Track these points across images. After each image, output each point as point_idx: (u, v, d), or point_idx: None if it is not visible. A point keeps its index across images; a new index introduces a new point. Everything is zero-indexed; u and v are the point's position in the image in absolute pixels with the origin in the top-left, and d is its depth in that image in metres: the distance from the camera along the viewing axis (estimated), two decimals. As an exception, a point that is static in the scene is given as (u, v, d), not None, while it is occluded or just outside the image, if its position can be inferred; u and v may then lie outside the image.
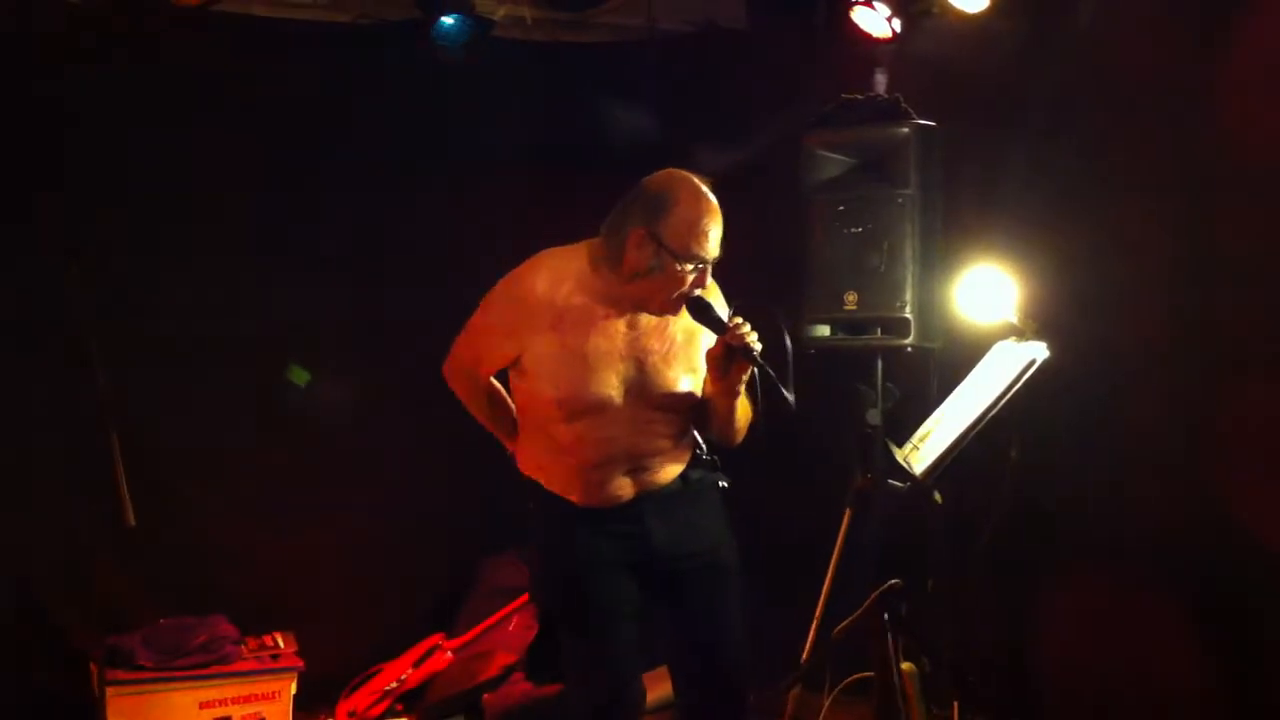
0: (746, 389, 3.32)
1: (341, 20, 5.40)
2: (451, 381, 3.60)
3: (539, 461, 3.49)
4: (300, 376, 5.33)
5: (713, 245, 3.28)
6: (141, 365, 4.75)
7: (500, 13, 5.47)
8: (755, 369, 3.23)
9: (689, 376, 3.41)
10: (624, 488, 3.42)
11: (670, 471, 3.47)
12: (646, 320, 3.37)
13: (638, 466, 3.41)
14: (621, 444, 3.37)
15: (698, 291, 3.30)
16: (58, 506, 4.76)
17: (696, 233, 3.24)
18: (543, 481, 3.49)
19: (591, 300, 3.33)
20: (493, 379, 3.57)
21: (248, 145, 5.19)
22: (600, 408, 3.33)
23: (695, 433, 3.55)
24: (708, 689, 3.50)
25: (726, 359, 3.26)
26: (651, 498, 3.44)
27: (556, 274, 3.36)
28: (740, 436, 3.47)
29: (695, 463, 3.53)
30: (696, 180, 3.31)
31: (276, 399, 5.30)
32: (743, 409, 3.40)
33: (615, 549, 3.43)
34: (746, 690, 3.54)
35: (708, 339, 3.37)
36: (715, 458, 3.55)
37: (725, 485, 3.58)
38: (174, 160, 5.06)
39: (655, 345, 3.38)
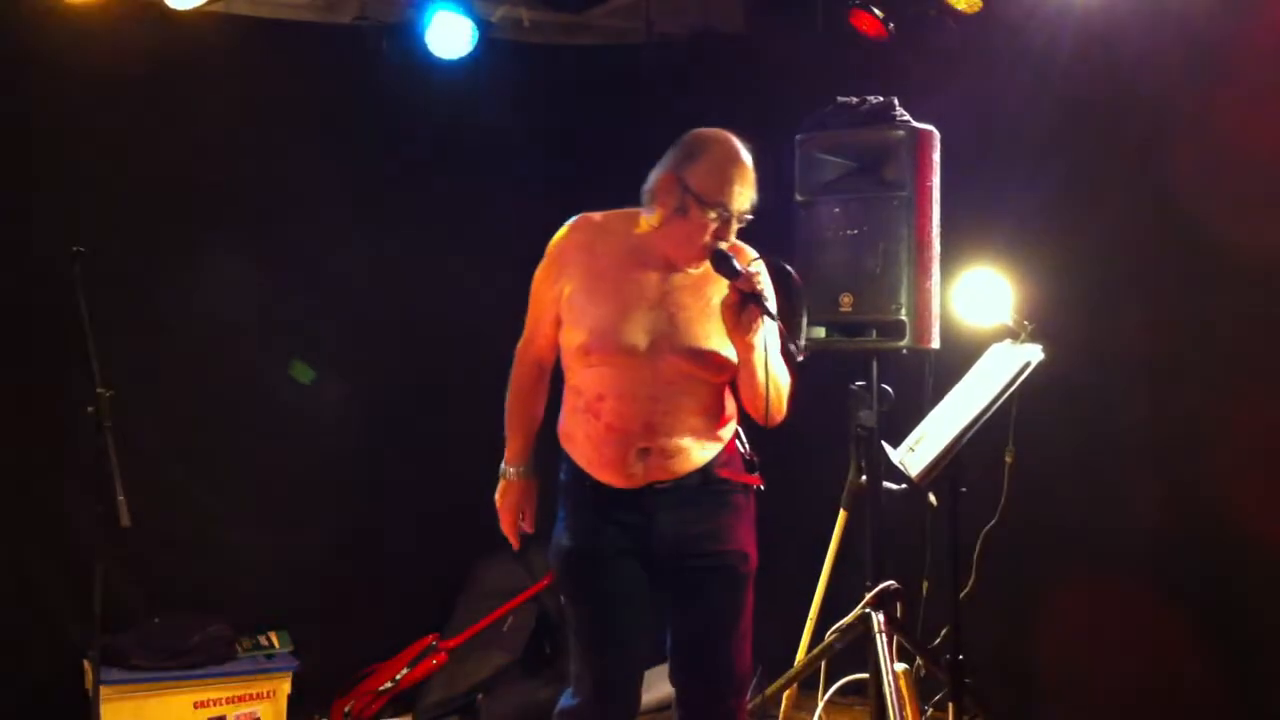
0: (781, 355, 3.36)
1: (340, 21, 5.41)
2: (515, 364, 3.61)
3: (568, 428, 3.50)
4: (304, 374, 5.34)
5: (737, 197, 3.34)
6: (138, 364, 4.75)
7: (497, 14, 5.48)
8: (763, 314, 3.25)
9: (720, 339, 3.39)
10: (636, 469, 3.39)
11: (692, 459, 3.42)
12: (682, 277, 3.42)
13: (655, 447, 3.38)
14: (639, 410, 3.36)
15: (721, 245, 3.33)
16: (53, 505, 4.76)
17: (721, 180, 3.32)
18: (570, 452, 3.50)
19: (627, 248, 3.43)
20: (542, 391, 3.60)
21: (246, 145, 5.21)
22: (625, 352, 3.35)
23: (740, 433, 3.54)
24: (704, 693, 3.49)
25: (739, 306, 3.27)
26: (666, 492, 3.41)
27: (593, 224, 3.48)
28: (779, 410, 3.45)
29: (728, 459, 3.50)
30: (733, 137, 3.39)
31: (272, 398, 5.30)
32: (773, 381, 3.38)
33: (622, 536, 3.42)
34: (743, 698, 3.53)
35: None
36: (755, 458, 3.54)
37: (760, 489, 3.56)
38: (173, 159, 5.07)
39: (689, 300, 3.41)
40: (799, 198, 4.38)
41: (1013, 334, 3.94)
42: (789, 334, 3.33)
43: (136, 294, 4.99)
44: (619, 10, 5.80)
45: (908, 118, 4.23)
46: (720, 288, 3.36)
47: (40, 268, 4.54)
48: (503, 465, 3.63)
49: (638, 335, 3.36)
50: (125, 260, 4.89)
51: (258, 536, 5.19)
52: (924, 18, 4.75)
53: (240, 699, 4.87)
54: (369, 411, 5.49)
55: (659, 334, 3.37)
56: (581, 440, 3.45)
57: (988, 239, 4.40)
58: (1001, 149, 4.64)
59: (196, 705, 4.82)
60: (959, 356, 4.10)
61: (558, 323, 3.48)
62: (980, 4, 4.49)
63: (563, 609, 3.62)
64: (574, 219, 3.50)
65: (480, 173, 5.53)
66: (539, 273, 3.52)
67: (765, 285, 3.33)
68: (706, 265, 3.36)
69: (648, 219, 3.42)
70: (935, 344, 4.21)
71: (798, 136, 4.41)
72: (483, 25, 5.23)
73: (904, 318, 4.15)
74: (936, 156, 4.23)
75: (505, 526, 3.65)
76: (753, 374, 3.35)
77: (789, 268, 3.44)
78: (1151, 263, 4.40)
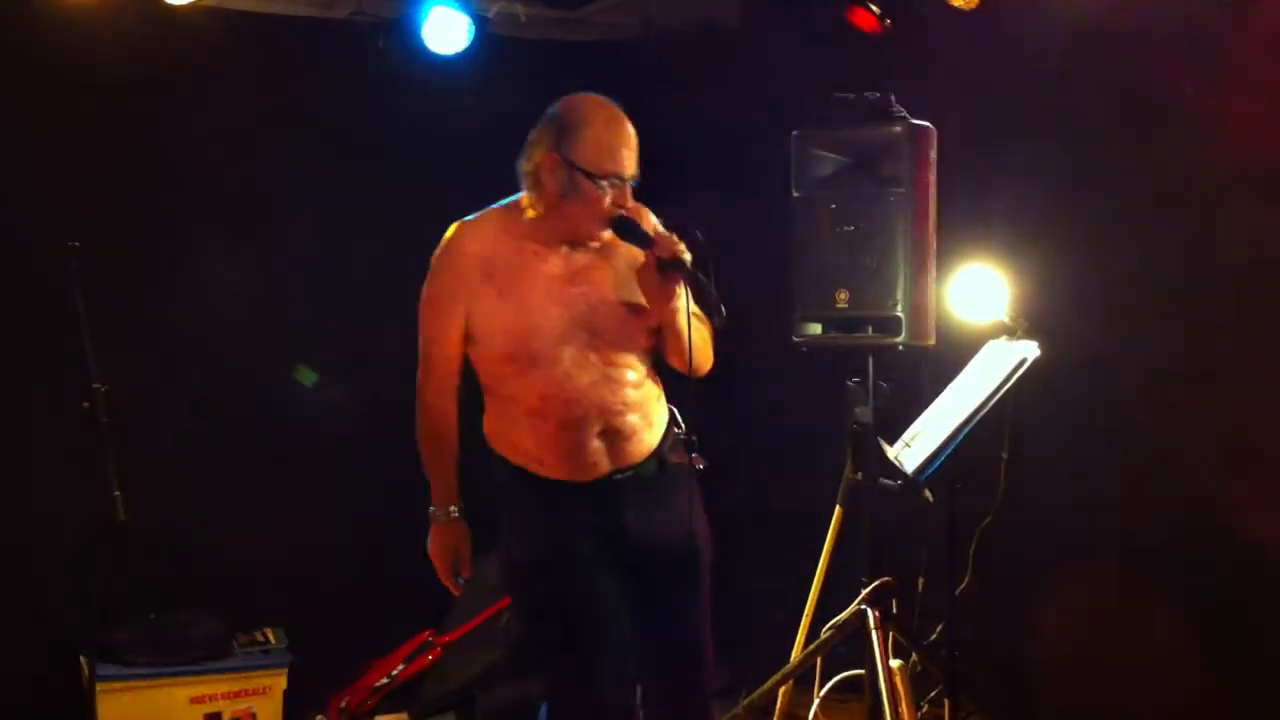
0: (697, 304, 3.24)
1: (336, 16, 5.40)
2: (420, 405, 3.49)
3: (508, 434, 3.35)
4: (307, 377, 5.34)
5: (627, 162, 3.21)
6: (134, 361, 4.75)
7: (494, 10, 5.48)
8: (685, 279, 3.15)
9: (639, 304, 3.28)
10: (599, 455, 3.28)
11: (645, 440, 3.33)
12: (584, 254, 3.29)
13: (610, 427, 3.27)
14: (589, 395, 3.24)
15: (621, 211, 3.22)
16: (50, 502, 4.77)
17: (606, 149, 3.19)
18: (512, 456, 3.35)
19: (520, 243, 3.28)
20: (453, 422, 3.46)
21: (242, 140, 5.20)
22: (553, 352, 3.22)
23: (672, 408, 3.45)
24: (671, 688, 3.41)
25: (659, 272, 3.17)
26: (628, 483, 3.30)
27: (477, 230, 3.33)
28: (706, 360, 3.37)
29: (672, 442, 3.40)
30: (601, 98, 3.28)
31: (269, 394, 5.31)
32: (698, 332, 3.29)
33: (588, 534, 3.28)
34: (709, 690, 3.47)
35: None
36: (693, 437, 3.43)
37: (702, 467, 3.43)
38: (170, 154, 5.07)
39: (599, 277, 3.29)
40: (795, 194, 4.38)
41: (1009, 330, 3.94)
42: (705, 294, 3.18)
43: (134, 290, 5.00)
44: (616, 6, 5.80)
45: (905, 114, 4.23)
46: (625, 250, 3.27)
47: (37, 264, 4.54)
48: (431, 509, 3.48)
49: (559, 329, 3.24)
50: (122, 256, 4.89)
51: (254, 532, 5.19)
52: (921, 14, 4.75)
53: (237, 695, 4.87)
54: (366, 408, 5.49)
55: (581, 320, 3.25)
56: (529, 443, 3.30)
57: (984, 235, 4.40)
58: (998, 145, 4.63)
59: (193, 701, 4.82)
60: (955, 353, 4.11)
61: (462, 342, 3.33)
62: (977, 0, 4.49)
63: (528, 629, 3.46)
64: (452, 229, 3.36)
65: (477, 168, 5.52)
66: (430, 295, 3.36)
67: (678, 243, 3.20)
68: (605, 233, 3.25)
69: (533, 205, 3.26)
70: (932, 340, 4.21)
71: (794, 132, 4.41)
72: (479, 21, 5.22)
73: (900, 314, 4.15)
74: (933, 153, 4.23)
75: (444, 576, 3.48)
76: (678, 332, 3.24)
77: (686, 224, 3.28)
78: (1148, 259, 4.40)
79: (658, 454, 3.36)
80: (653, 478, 3.35)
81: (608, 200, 3.21)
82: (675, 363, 3.36)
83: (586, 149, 3.19)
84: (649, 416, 3.35)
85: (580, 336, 3.25)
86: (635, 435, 3.32)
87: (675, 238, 3.20)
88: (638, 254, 3.26)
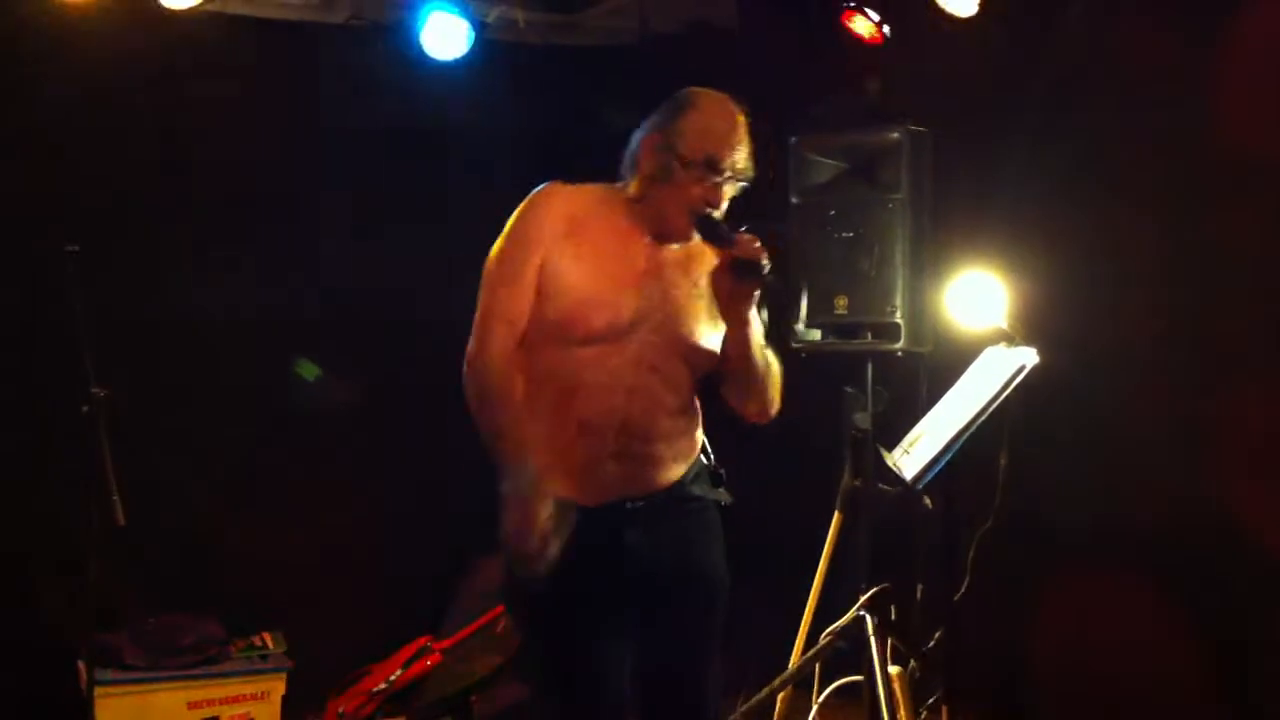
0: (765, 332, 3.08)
1: (333, 21, 5.40)
2: (488, 371, 3.05)
3: (532, 434, 3.04)
4: (308, 371, 5.34)
5: (728, 155, 3.03)
6: (133, 363, 4.74)
7: (492, 15, 5.48)
8: (762, 287, 2.98)
9: (710, 326, 3.09)
10: (611, 477, 3.03)
11: (668, 473, 3.12)
12: (670, 253, 3.10)
13: (631, 450, 3.03)
14: (624, 402, 3.00)
15: (709, 209, 3.04)
16: (48, 504, 4.76)
17: (708, 135, 3.03)
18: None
19: (611, 218, 3.09)
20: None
21: (241, 143, 5.21)
22: (611, 330, 3.00)
23: (703, 438, 3.24)
24: None
25: (735, 277, 2.99)
26: (637, 511, 3.07)
27: (571, 192, 3.13)
28: (773, 399, 3.19)
29: (697, 473, 3.18)
30: (721, 94, 3.12)
31: (267, 398, 5.31)
32: (773, 365, 3.14)
33: (593, 568, 3.03)
34: None
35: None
36: (722, 470, 3.23)
37: (727, 503, 3.23)
38: (168, 157, 5.07)
39: (679, 279, 3.09)
40: (794, 199, 4.39)
41: (1007, 337, 3.95)
42: (780, 312, 3.15)
43: (132, 293, 4.99)
44: (614, 11, 5.80)
45: (903, 120, 4.24)
46: (710, 260, 3.08)
47: (36, 267, 4.53)
48: (519, 467, 2.96)
49: (625, 308, 3.02)
50: (121, 259, 4.88)
51: (253, 537, 5.18)
52: (918, 19, 4.76)
53: (234, 699, 4.86)
54: (365, 412, 5.49)
55: (647, 313, 3.04)
56: (543, 441, 3.02)
57: (982, 241, 4.40)
58: (997, 151, 4.64)
59: (190, 705, 4.81)
60: (954, 359, 4.11)
61: (532, 296, 3.05)
62: (975, 4, 4.49)
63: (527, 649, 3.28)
64: (543, 186, 3.13)
65: (475, 172, 5.53)
66: (506, 245, 3.09)
67: (759, 248, 3.01)
68: (695, 241, 3.08)
69: (630, 188, 3.10)
70: (930, 346, 4.22)
71: (792, 138, 4.42)
72: (478, 25, 5.22)
73: (899, 320, 4.17)
74: (931, 159, 4.24)
75: (538, 555, 2.94)
76: (748, 360, 3.08)
77: (777, 228, 3.24)
78: (1147, 265, 4.40)
79: (680, 484, 3.15)
80: (667, 507, 3.12)
81: (697, 190, 3.03)
82: (736, 403, 3.19)
83: (685, 132, 3.04)
84: (677, 449, 3.14)
85: (640, 329, 3.03)
86: (656, 465, 3.10)
87: (757, 241, 3.01)
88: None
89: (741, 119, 3.09)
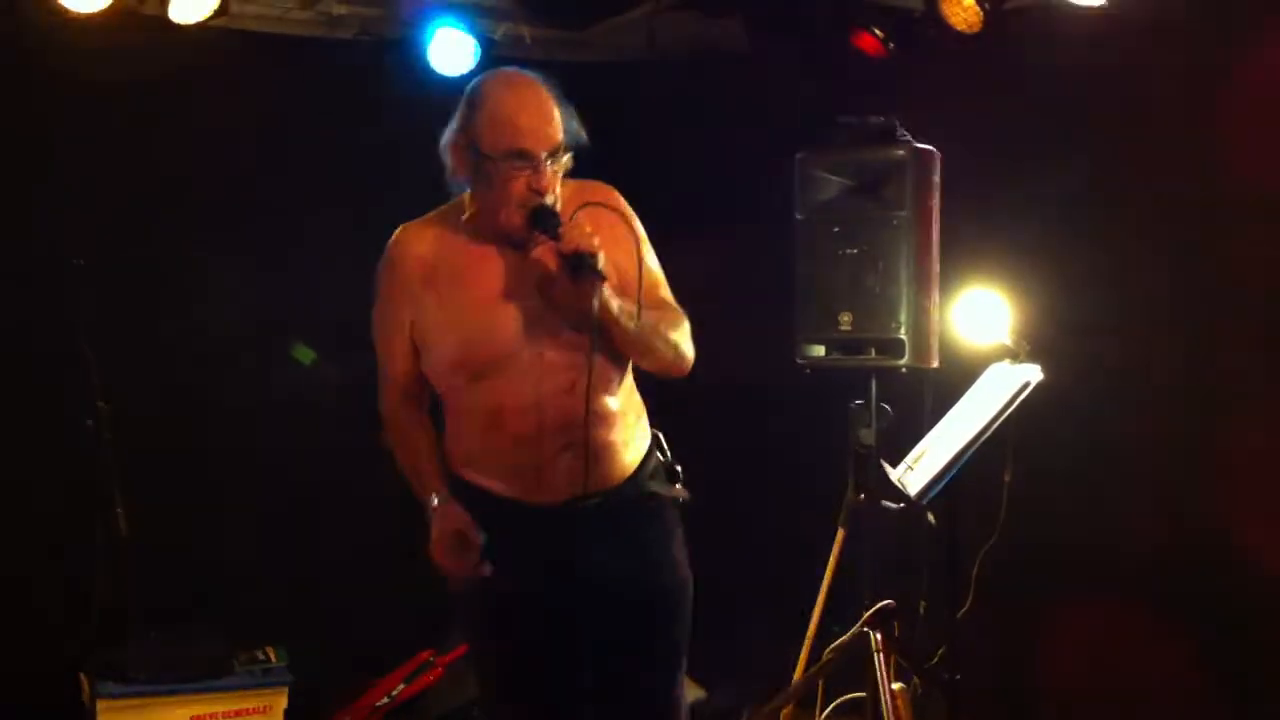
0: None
1: (342, 37, 5.42)
2: (387, 422, 3.14)
3: (466, 451, 3.02)
4: (305, 355, 5.33)
5: (535, 137, 2.81)
6: (137, 377, 4.75)
7: (500, 31, 5.49)
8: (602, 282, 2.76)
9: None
10: (562, 476, 2.90)
11: (621, 461, 2.99)
12: (531, 251, 2.89)
13: (577, 442, 2.87)
14: (549, 404, 2.87)
15: (545, 200, 2.83)
16: (51, 517, 4.76)
17: (507, 125, 2.81)
18: (470, 476, 3.02)
19: (458, 246, 2.95)
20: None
21: (248, 159, 5.22)
22: (506, 357, 2.88)
23: (657, 433, 3.13)
24: None
25: (569, 276, 2.77)
26: (593, 512, 2.93)
27: (418, 233, 3.01)
28: (676, 352, 2.99)
29: (654, 469, 3.06)
30: (509, 70, 2.94)
31: (270, 412, 5.31)
32: (647, 328, 2.91)
33: (540, 570, 2.95)
34: None
35: (609, 242, 2.86)
36: (677, 466, 3.10)
37: (683, 500, 3.10)
38: (175, 172, 5.08)
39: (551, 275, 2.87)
40: (799, 216, 4.40)
41: (1012, 354, 3.95)
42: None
43: (138, 306, 5.00)
44: (621, 28, 5.81)
45: (908, 137, 4.25)
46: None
47: (41, 280, 4.55)
48: (428, 501, 3.02)
49: (508, 334, 2.88)
50: (125, 272, 4.89)
51: (256, 550, 5.18)
52: (924, 37, 4.77)
53: (237, 713, 4.85)
54: (368, 426, 5.46)
55: (531, 323, 2.88)
56: (488, 457, 2.97)
57: (987, 259, 4.41)
58: (1001, 168, 4.65)
59: (193, 719, 4.80)
60: (958, 375, 4.12)
61: (412, 355, 3.00)
62: (980, 24, 4.51)
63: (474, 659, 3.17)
64: (394, 236, 3.05)
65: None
66: (377, 307, 3.04)
67: (591, 237, 2.78)
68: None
69: (464, 203, 2.94)
70: (934, 363, 4.22)
71: (798, 155, 4.43)
72: (485, 42, 5.24)
73: (903, 336, 4.17)
74: (937, 176, 4.26)
75: (451, 563, 2.93)
76: (624, 334, 2.87)
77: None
78: (1151, 283, 4.41)
79: (635, 480, 3.02)
80: (624, 507, 2.99)
81: (519, 184, 2.82)
82: (644, 367, 3.01)
83: (483, 128, 2.83)
84: (626, 434, 3.00)
85: (537, 341, 2.88)
86: (610, 454, 2.97)
87: (585, 227, 2.79)
88: (605, 244, 2.87)
89: (536, 92, 2.87)
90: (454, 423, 3.05)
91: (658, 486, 3.06)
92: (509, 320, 2.90)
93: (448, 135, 2.93)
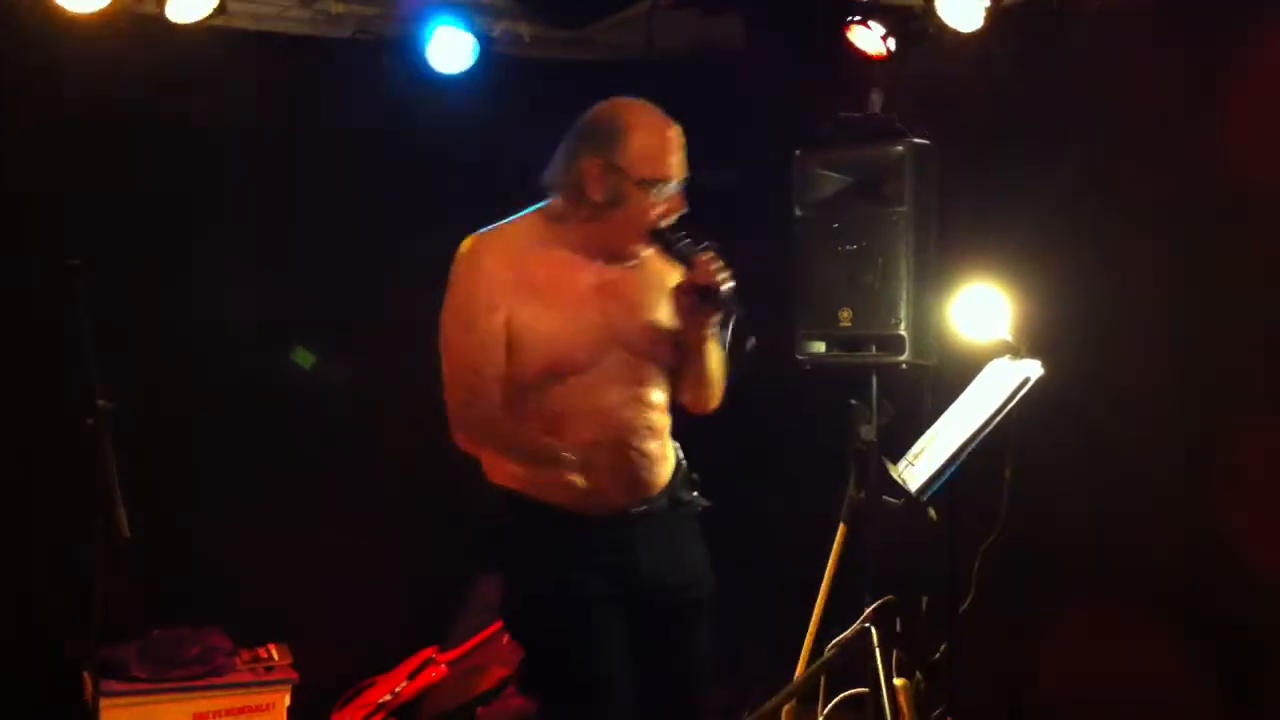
0: (721, 339, 3.13)
1: (339, 36, 5.42)
2: (481, 427, 3.15)
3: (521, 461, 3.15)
4: (305, 359, 5.34)
5: (675, 166, 3.07)
6: (137, 376, 4.75)
7: (498, 29, 5.50)
8: (722, 310, 3.01)
9: (667, 323, 3.16)
10: (615, 485, 3.10)
11: (661, 472, 3.19)
12: (616, 267, 3.14)
13: (628, 456, 3.10)
14: (615, 414, 3.09)
15: (666, 220, 3.08)
16: (52, 517, 4.76)
17: (656, 155, 3.05)
18: (520, 485, 3.14)
19: (550, 252, 3.11)
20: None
21: (246, 158, 5.22)
22: (589, 360, 3.07)
23: (679, 448, 3.30)
24: None
25: (696, 300, 3.03)
26: (641, 520, 3.14)
27: (503, 240, 3.15)
28: (716, 395, 3.27)
29: (681, 478, 3.26)
30: (644, 102, 3.13)
31: (272, 411, 5.31)
32: (716, 362, 3.18)
33: (602, 579, 3.11)
34: None
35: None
36: (695, 474, 3.29)
37: (704, 507, 3.31)
38: (173, 172, 5.08)
39: (630, 290, 3.15)
40: (798, 213, 4.40)
41: (1012, 350, 3.95)
42: (740, 327, 3.07)
43: (136, 306, 4.99)
44: (619, 26, 5.82)
45: (906, 133, 4.25)
46: (656, 263, 3.14)
47: (39, 280, 4.54)
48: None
49: (595, 339, 3.08)
50: (125, 273, 4.89)
51: (258, 548, 5.18)
52: (923, 36, 4.77)
53: (239, 711, 4.86)
54: (370, 424, 5.49)
55: (615, 333, 3.10)
56: (547, 466, 3.07)
57: (986, 254, 4.41)
58: (1001, 165, 4.65)
59: (195, 717, 4.81)
60: (958, 372, 4.11)
61: (506, 356, 3.10)
62: (979, 22, 4.51)
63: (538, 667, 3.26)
64: (470, 242, 3.17)
65: (480, 187, 5.54)
66: (462, 311, 3.11)
67: (722, 271, 3.04)
68: (645, 249, 3.11)
69: (567, 215, 3.10)
70: (934, 359, 4.23)
71: (797, 152, 4.44)
72: (483, 40, 5.24)
73: (903, 333, 4.18)
74: (936, 173, 4.25)
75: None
76: (700, 363, 3.15)
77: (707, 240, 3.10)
78: (1152, 280, 4.41)
79: (670, 489, 3.22)
80: (665, 515, 3.20)
81: (657, 210, 3.07)
82: (686, 397, 3.25)
83: (635, 154, 3.04)
84: (665, 447, 3.22)
85: (614, 351, 3.10)
86: (654, 465, 3.17)
87: (715, 263, 3.03)
88: (668, 269, 3.15)
89: (674, 126, 3.11)
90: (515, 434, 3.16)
91: (684, 494, 3.27)
92: (598, 324, 3.10)
93: (579, 157, 3.07)
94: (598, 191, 3.06)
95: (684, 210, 3.13)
